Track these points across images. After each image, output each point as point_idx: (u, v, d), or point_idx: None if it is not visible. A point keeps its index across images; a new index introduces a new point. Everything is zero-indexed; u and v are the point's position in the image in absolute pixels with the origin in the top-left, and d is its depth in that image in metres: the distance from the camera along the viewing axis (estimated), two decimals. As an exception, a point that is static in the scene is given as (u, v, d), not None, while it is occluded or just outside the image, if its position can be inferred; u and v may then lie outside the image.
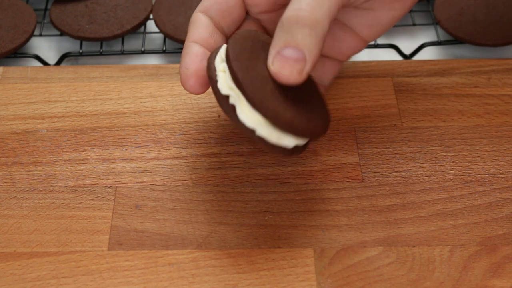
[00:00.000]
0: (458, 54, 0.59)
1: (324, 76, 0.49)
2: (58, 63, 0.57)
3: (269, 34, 0.47)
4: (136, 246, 0.44)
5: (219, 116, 0.50)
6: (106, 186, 0.47)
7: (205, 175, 0.47)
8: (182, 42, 0.56)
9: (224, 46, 0.42)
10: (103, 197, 0.46)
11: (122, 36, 0.57)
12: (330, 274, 0.42)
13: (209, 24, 0.45)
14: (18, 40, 0.56)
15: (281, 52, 0.40)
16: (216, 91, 0.41)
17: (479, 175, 0.47)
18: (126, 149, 0.49)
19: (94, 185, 0.47)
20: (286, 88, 0.41)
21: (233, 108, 0.40)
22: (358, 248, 0.43)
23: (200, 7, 0.46)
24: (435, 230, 0.44)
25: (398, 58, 0.57)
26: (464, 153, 0.48)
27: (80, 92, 0.52)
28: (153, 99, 0.52)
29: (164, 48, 0.58)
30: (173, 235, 0.44)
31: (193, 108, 0.51)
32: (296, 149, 0.42)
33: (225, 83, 0.40)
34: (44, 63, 0.57)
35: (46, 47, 0.60)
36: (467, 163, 0.48)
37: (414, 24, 0.59)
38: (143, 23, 0.58)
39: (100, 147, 0.49)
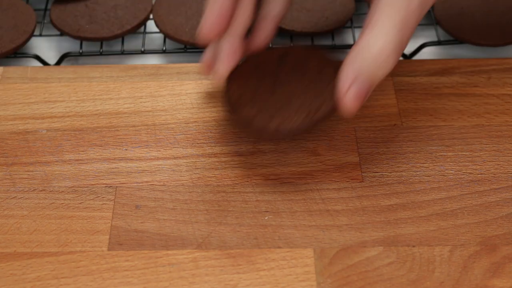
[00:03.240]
0: (458, 54, 0.59)
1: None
2: (58, 63, 0.57)
3: None
4: (136, 246, 0.44)
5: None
6: (106, 186, 0.47)
7: (205, 175, 0.47)
8: (182, 42, 0.56)
9: None
10: (103, 197, 0.46)
11: (122, 36, 0.57)
12: (330, 274, 0.42)
13: None
14: (18, 40, 0.56)
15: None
16: None
17: (479, 175, 0.47)
18: (126, 149, 0.49)
19: (94, 185, 0.47)
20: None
21: None
22: (358, 248, 0.43)
23: None
24: (435, 230, 0.44)
25: (398, 58, 0.57)
26: (464, 153, 0.48)
27: (80, 92, 0.52)
28: (153, 99, 0.52)
29: (164, 48, 0.58)
30: (173, 235, 0.44)
31: (193, 108, 0.51)
32: None
33: None
34: (44, 63, 0.57)
35: (46, 47, 0.60)
36: (467, 163, 0.48)
37: (414, 24, 0.59)
38: (143, 23, 0.58)
39: (100, 147, 0.49)
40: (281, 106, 0.46)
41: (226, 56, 0.48)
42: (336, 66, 0.47)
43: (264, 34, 0.51)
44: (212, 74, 0.49)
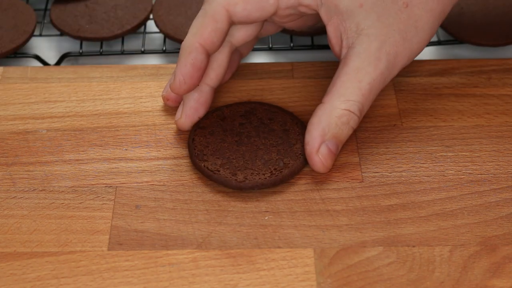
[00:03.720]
0: (458, 54, 0.59)
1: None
2: (58, 63, 0.57)
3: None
4: (136, 246, 0.44)
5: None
6: (106, 186, 0.47)
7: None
8: (182, 42, 0.56)
9: None
10: (103, 197, 0.46)
11: (122, 36, 0.57)
12: (330, 274, 0.42)
13: (225, 28, 0.46)
14: (18, 40, 0.56)
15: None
16: None
17: (479, 175, 0.47)
18: (126, 149, 0.49)
19: (94, 185, 0.47)
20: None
21: None
22: (358, 248, 0.43)
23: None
24: (435, 230, 0.44)
25: (398, 58, 0.57)
26: (464, 153, 0.48)
27: (80, 92, 0.52)
28: (153, 99, 0.52)
29: (164, 48, 0.58)
30: (173, 235, 0.44)
31: (193, 108, 0.51)
32: None
33: None
34: (44, 63, 0.57)
35: (46, 47, 0.60)
36: (467, 163, 0.48)
37: (414, 24, 0.59)
38: (143, 23, 0.58)
39: (100, 147, 0.49)
40: (246, 161, 0.47)
41: (194, 109, 0.48)
42: (302, 126, 0.48)
43: (229, 69, 0.51)
44: (175, 122, 0.49)
